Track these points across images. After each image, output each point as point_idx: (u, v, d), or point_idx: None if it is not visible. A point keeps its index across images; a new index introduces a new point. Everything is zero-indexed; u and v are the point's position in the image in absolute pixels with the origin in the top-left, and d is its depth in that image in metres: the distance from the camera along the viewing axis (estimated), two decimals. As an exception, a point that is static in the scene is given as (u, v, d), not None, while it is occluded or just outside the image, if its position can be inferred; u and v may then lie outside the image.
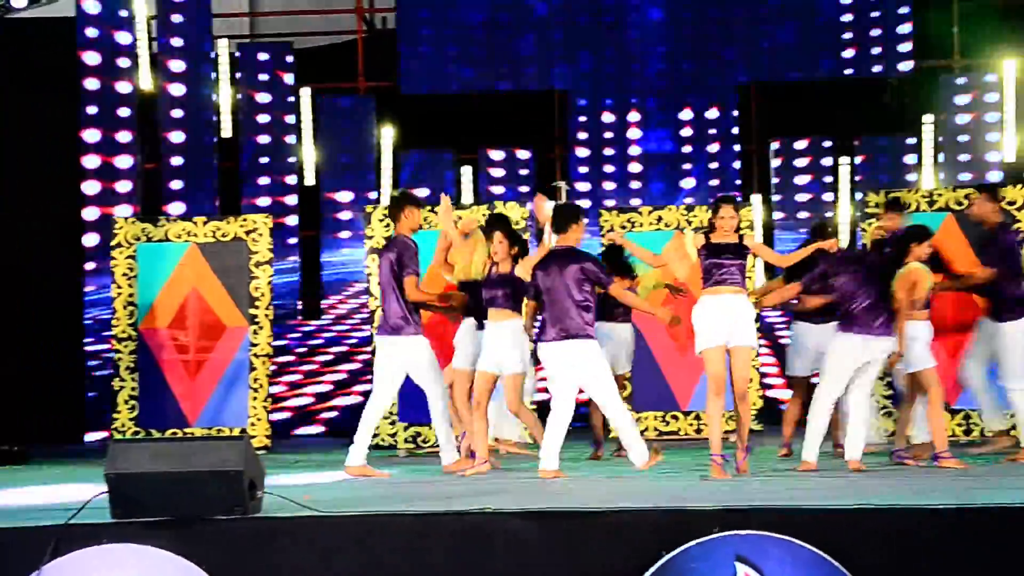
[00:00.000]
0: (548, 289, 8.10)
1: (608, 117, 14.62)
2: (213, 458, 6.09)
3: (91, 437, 12.92)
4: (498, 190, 14.48)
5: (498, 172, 14.66)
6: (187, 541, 5.98)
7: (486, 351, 8.54)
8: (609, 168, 14.59)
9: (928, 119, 14.09)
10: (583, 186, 14.54)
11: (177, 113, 14.23)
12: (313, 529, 6.15)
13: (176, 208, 13.92)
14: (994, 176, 13.80)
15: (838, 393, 8.34)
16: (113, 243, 11.19)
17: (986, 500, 6.37)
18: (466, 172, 14.60)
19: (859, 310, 8.17)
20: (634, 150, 14.60)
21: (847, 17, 14.25)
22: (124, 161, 13.84)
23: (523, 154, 14.69)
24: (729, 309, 7.95)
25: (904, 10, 14.16)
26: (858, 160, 14.24)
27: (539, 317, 8.56)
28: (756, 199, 14.03)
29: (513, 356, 8.45)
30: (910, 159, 14.18)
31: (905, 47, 14.13)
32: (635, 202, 14.05)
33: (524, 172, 14.67)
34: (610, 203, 13.99)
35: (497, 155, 14.68)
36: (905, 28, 14.13)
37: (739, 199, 10.65)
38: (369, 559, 6.08)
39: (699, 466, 8.56)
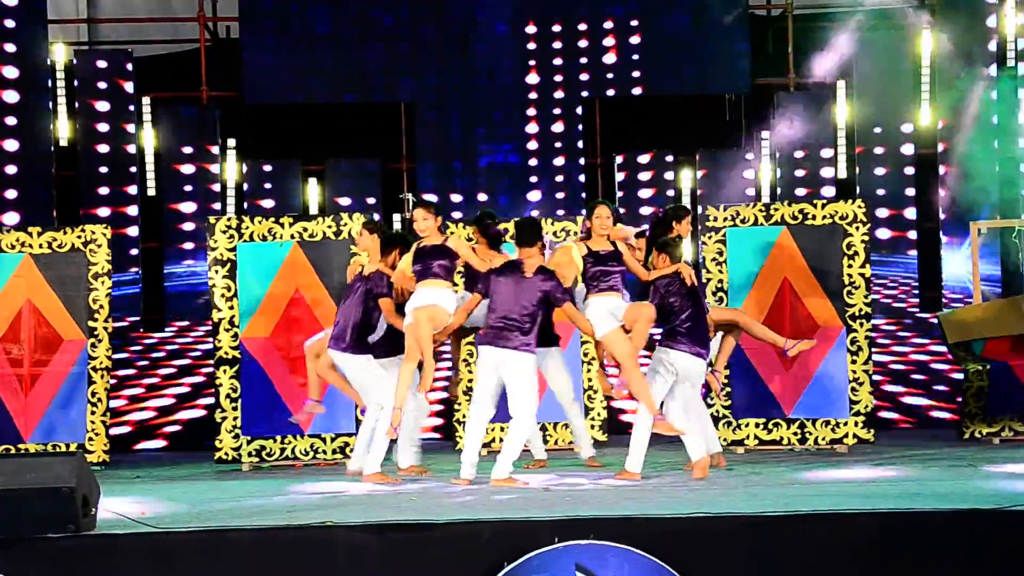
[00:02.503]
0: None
1: (455, 130, 14.69)
2: (44, 475, 5.98)
3: (-81, 455, 12.47)
4: (345, 201, 14.42)
5: (345, 183, 14.60)
6: (17, 560, 5.86)
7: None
8: (456, 180, 14.65)
9: (765, 135, 14.51)
10: (430, 198, 14.52)
11: (11, 120, 13.81)
12: (150, 546, 6.07)
13: (10, 218, 13.51)
14: (828, 191, 14.26)
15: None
16: (-58, 254, 10.83)
17: (814, 507, 6.61)
18: (313, 183, 14.50)
19: (683, 327, 8.44)
20: (481, 163, 14.70)
21: (687, 35, 14.59)
22: (-45, 170, 13.41)
23: (370, 166, 14.66)
24: (617, 310, 8.47)
25: (741, 29, 14.57)
26: (699, 174, 14.58)
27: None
28: (600, 212, 14.25)
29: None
30: (748, 174, 14.57)
31: (743, 65, 14.54)
32: (481, 214, 14.12)
33: (371, 183, 14.63)
34: (457, 215, 14.05)
35: (344, 166, 14.62)
36: (743, 47, 14.55)
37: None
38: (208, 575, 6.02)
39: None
